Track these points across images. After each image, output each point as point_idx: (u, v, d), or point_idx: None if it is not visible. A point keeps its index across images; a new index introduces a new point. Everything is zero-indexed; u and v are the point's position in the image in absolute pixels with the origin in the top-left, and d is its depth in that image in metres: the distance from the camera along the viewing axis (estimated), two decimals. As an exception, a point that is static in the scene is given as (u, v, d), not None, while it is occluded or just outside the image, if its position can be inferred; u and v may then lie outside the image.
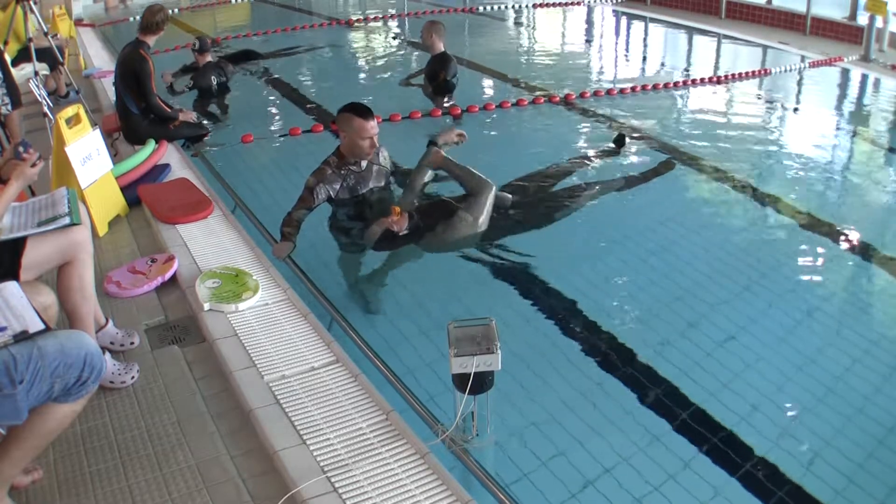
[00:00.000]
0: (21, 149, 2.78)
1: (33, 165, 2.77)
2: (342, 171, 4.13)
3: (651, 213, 4.68)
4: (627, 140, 5.69)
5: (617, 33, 11.26)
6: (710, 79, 7.77)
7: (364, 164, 4.18)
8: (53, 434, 2.19)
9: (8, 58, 6.36)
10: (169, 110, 5.71)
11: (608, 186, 4.90)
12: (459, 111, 6.49)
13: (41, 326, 2.08)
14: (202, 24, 11.86)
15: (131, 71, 5.49)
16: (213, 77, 7.28)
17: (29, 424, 2.10)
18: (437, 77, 6.85)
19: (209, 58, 7.43)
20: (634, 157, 5.52)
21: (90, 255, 2.87)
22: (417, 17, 11.52)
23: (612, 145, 5.64)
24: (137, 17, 11.57)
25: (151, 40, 5.55)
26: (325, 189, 4.07)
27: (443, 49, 6.84)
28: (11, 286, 2.23)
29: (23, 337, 2.04)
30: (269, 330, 3.18)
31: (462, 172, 4.24)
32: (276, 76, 8.23)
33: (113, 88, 6.37)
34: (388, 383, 2.92)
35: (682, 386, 3.09)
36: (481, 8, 12.02)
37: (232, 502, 2.35)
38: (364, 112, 4.03)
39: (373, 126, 4.04)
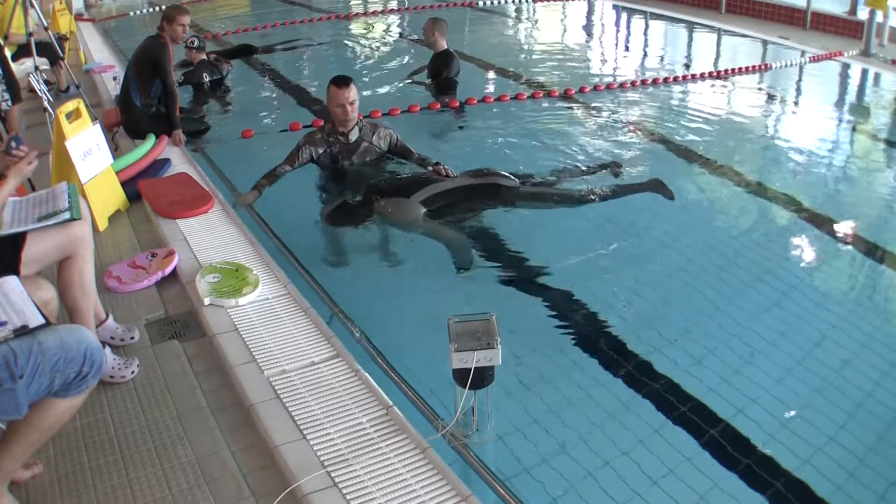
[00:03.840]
0: (14, 144, 2.77)
1: (29, 163, 2.76)
2: (329, 139, 4.53)
3: (651, 209, 4.66)
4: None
5: (617, 28, 11.24)
6: (711, 73, 7.75)
7: (353, 137, 4.51)
8: (53, 429, 2.19)
9: (8, 53, 6.35)
10: (178, 109, 5.55)
11: (607, 182, 4.88)
12: (458, 104, 6.48)
13: (41, 321, 2.08)
14: (202, 18, 11.82)
15: (149, 56, 5.45)
16: (204, 74, 7.38)
17: (29, 419, 2.10)
18: (440, 74, 6.84)
19: (202, 56, 7.54)
20: (634, 153, 5.51)
21: (90, 251, 2.87)
22: (418, 11, 11.49)
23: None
24: (137, 13, 11.60)
25: (166, 34, 5.54)
26: (309, 150, 4.49)
27: (445, 46, 6.82)
28: (11, 281, 2.22)
29: (23, 332, 2.04)
30: (269, 325, 3.18)
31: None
32: (277, 71, 8.22)
33: (114, 83, 6.35)
34: (389, 378, 2.93)
35: (682, 381, 3.09)
36: (481, 2, 11.99)
37: (232, 497, 2.35)
38: (339, 81, 4.42)
39: (345, 95, 4.37)
